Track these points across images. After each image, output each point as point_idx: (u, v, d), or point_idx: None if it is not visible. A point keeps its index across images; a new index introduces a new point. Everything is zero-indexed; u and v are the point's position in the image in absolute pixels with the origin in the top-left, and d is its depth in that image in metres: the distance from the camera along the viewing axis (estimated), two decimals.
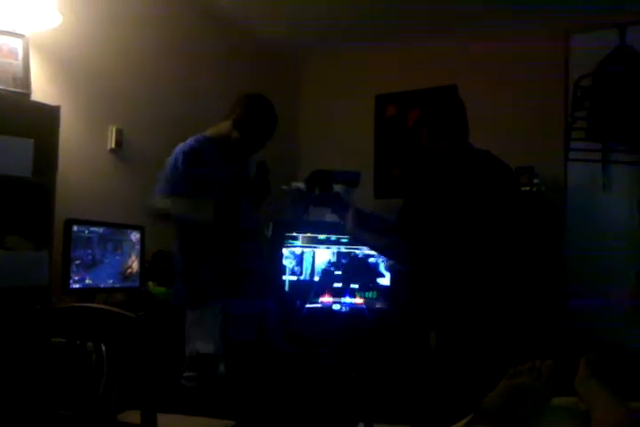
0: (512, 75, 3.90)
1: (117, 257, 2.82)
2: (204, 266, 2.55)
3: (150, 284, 2.98)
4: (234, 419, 2.12)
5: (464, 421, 1.25)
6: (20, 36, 2.55)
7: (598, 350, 1.33)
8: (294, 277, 3.31)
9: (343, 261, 3.37)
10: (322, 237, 3.37)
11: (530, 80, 3.81)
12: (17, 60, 2.53)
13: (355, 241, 3.17)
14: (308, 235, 3.36)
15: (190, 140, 2.64)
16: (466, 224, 2.37)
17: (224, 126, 2.70)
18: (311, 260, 3.34)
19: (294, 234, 3.34)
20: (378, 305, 3.33)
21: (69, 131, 2.73)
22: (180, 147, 2.62)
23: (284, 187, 3.42)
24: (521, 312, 2.38)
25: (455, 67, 4.12)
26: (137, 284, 2.92)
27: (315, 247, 3.36)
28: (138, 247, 2.94)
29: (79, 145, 2.91)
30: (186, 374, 2.47)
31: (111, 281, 2.78)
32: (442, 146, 2.54)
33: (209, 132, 2.73)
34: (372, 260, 3.39)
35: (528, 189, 3.40)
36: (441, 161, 2.51)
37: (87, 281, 2.66)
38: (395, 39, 4.17)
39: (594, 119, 3.39)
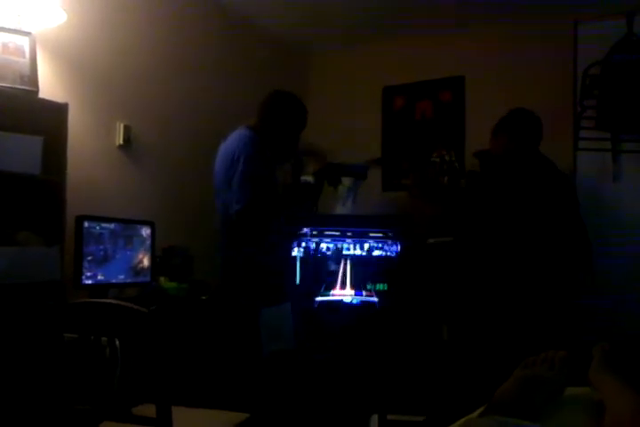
0: (520, 64, 3.88)
1: (128, 252, 2.83)
2: (275, 268, 2.71)
3: (162, 279, 3.00)
4: (248, 412, 2.13)
5: (477, 411, 1.26)
6: (27, 33, 2.55)
7: (612, 341, 1.33)
8: (305, 271, 3.31)
9: (353, 253, 3.37)
10: (331, 230, 3.37)
11: (538, 70, 3.79)
12: (24, 57, 2.53)
13: None
14: (318, 228, 3.36)
15: (250, 139, 2.68)
16: (502, 225, 2.45)
17: (260, 124, 2.77)
18: (321, 252, 3.34)
19: (304, 227, 3.34)
20: (389, 297, 3.33)
21: (77, 128, 2.74)
22: (247, 148, 2.64)
23: None
24: (534, 303, 2.39)
25: (462, 58, 4.10)
26: (148, 279, 2.93)
27: (324, 241, 3.36)
28: (148, 242, 2.95)
29: (88, 142, 2.91)
30: (269, 372, 2.54)
31: (123, 276, 2.79)
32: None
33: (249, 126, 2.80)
34: (383, 253, 3.38)
35: None
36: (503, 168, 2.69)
37: (99, 277, 2.67)
38: (401, 30, 4.15)
39: (603, 108, 3.37)
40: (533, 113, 2.97)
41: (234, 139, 2.74)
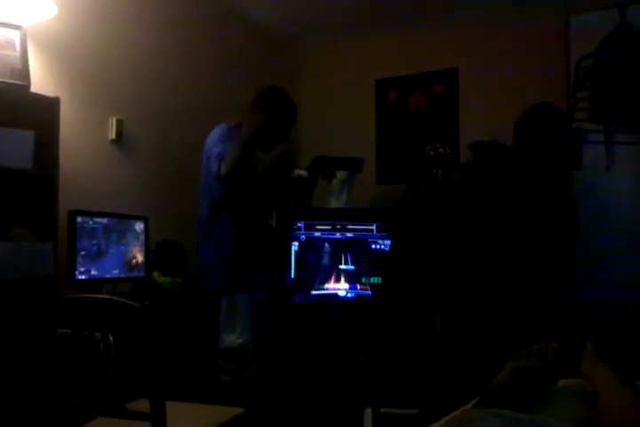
0: (512, 57, 3.88)
1: (122, 247, 2.83)
2: (251, 255, 2.69)
3: (155, 273, 2.99)
4: (242, 406, 2.13)
5: (471, 403, 1.26)
6: (17, 27, 2.53)
7: (604, 332, 1.33)
8: (299, 265, 3.31)
9: (348, 247, 3.37)
10: (325, 224, 3.37)
11: (531, 62, 3.79)
12: (15, 51, 2.51)
13: None
14: (312, 222, 3.36)
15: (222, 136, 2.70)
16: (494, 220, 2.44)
17: (251, 120, 2.74)
18: (316, 247, 3.34)
19: (298, 222, 3.34)
20: (383, 291, 3.33)
21: (69, 122, 2.73)
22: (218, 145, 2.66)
23: None
24: (527, 294, 2.39)
25: (455, 50, 4.10)
26: (142, 274, 2.93)
27: (319, 234, 3.36)
28: (142, 237, 2.94)
29: (80, 136, 2.90)
30: (223, 367, 2.52)
31: (116, 271, 2.79)
32: None
33: (235, 123, 2.78)
34: (377, 246, 3.38)
35: None
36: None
37: (93, 272, 2.66)
38: (394, 23, 4.14)
39: (596, 100, 3.36)
40: (557, 110, 2.75)
41: (210, 137, 2.76)
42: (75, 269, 2.58)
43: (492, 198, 2.58)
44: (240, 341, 2.54)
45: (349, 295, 3.32)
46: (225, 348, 2.55)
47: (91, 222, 2.68)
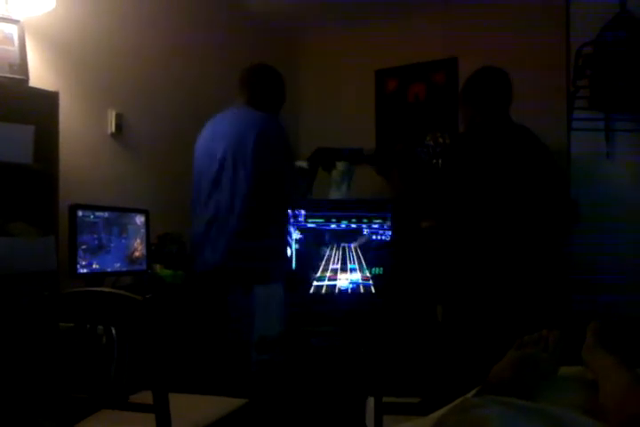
0: (512, 45, 3.86)
1: (123, 241, 2.83)
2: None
3: (157, 266, 3.00)
4: (246, 397, 2.14)
5: (472, 392, 1.26)
6: (15, 21, 2.53)
7: (604, 319, 1.33)
8: (300, 256, 3.31)
9: (349, 238, 3.37)
10: (326, 215, 3.37)
11: (530, 50, 3.77)
12: (13, 46, 2.51)
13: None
14: (313, 213, 3.36)
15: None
16: (480, 200, 2.43)
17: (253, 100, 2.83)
18: (317, 238, 3.34)
19: (298, 212, 3.34)
20: (384, 281, 3.33)
21: (69, 116, 2.73)
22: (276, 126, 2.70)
23: None
24: (527, 283, 2.40)
25: (455, 39, 4.08)
26: (144, 267, 2.93)
27: (319, 225, 3.35)
28: (143, 231, 2.95)
29: (79, 130, 2.90)
30: (257, 358, 2.51)
31: (118, 265, 2.79)
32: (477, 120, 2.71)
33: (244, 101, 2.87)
34: (378, 236, 3.38)
35: None
36: (468, 137, 2.63)
37: (94, 266, 2.67)
38: (393, 12, 4.13)
39: (596, 88, 3.35)
40: (499, 72, 2.86)
41: (247, 121, 2.74)
42: (76, 263, 2.58)
43: (469, 182, 2.56)
44: (275, 332, 2.55)
45: (351, 286, 3.32)
46: (261, 338, 2.55)
47: (91, 216, 2.68)
